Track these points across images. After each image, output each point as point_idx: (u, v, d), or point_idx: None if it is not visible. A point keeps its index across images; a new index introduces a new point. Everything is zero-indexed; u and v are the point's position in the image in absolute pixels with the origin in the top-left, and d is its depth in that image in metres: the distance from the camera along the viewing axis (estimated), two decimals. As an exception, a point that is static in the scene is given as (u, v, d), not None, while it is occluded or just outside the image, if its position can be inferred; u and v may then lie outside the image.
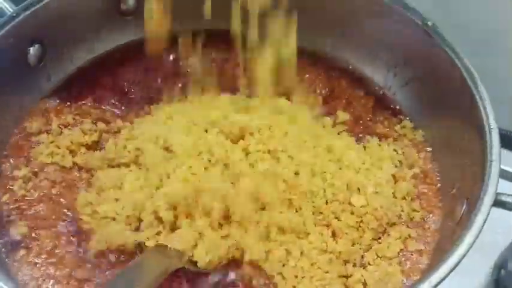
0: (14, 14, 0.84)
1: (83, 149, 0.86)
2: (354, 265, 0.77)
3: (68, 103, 0.91)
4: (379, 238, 0.79)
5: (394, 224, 0.81)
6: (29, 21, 0.85)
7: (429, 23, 0.89)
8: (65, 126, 0.88)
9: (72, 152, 0.85)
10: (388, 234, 0.80)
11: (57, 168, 0.83)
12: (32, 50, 0.88)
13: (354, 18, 0.97)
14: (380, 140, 0.90)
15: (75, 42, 0.95)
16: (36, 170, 0.83)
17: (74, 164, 0.84)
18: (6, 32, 0.83)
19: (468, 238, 0.67)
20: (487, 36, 1.06)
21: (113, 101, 0.93)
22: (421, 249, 0.79)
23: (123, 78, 0.96)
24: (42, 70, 0.91)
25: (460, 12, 1.06)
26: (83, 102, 0.92)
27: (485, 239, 0.70)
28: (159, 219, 0.76)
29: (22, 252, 0.75)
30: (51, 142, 0.86)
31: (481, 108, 0.79)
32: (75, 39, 0.95)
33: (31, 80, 0.90)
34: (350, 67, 1.00)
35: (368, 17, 0.96)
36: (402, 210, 0.82)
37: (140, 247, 0.75)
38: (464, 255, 0.66)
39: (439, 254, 0.75)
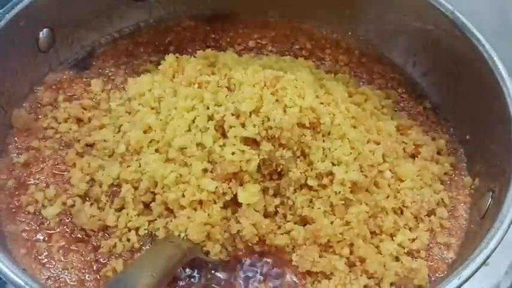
0: (24, -3, 0.82)
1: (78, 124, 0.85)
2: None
3: (77, 75, 0.91)
4: (410, 229, 0.76)
5: (427, 214, 0.78)
6: (39, 4, 0.83)
7: (451, 10, 0.86)
8: (67, 100, 0.87)
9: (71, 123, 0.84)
10: (418, 226, 0.77)
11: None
12: (42, 35, 0.86)
13: (373, 4, 0.95)
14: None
15: (85, 27, 0.93)
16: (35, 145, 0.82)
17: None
18: (16, 15, 0.80)
19: (499, 233, 0.64)
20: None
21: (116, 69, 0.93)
22: (450, 243, 0.76)
23: (132, 54, 0.96)
24: (53, 54, 0.89)
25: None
26: (89, 73, 0.92)
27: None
28: (169, 210, 0.74)
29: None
30: (51, 115, 0.85)
31: (508, 99, 0.76)
32: (85, 24, 0.93)
33: (42, 62, 0.88)
34: (369, 47, 0.99)
35: (387, 3, 0.93)
36: (436, 200, 0.79)
37: (152, 237, 0.74)
38: (494, 251, 0.63)
39: (465, 248, 0.73)
